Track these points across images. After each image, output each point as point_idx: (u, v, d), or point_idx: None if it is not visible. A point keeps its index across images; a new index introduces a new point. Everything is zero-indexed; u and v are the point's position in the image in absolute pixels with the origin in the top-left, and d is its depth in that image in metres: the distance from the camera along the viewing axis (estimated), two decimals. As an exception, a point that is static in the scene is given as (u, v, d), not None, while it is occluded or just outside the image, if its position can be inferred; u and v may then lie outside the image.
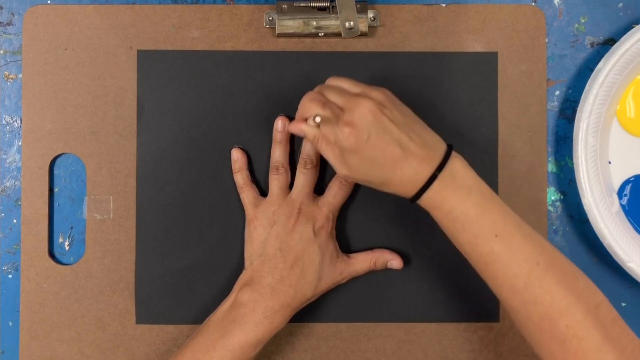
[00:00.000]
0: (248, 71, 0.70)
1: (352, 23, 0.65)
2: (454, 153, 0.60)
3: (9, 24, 0.71)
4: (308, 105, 0.60)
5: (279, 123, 0.69)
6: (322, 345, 0.70)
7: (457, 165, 0.59)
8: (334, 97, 0.60)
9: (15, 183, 0.70)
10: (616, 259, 0.68)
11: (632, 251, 0.67)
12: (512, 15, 0.70)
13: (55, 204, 0.70)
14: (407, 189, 0.59)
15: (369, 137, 0.58)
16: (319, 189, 0.69)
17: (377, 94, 0.60)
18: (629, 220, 0.69)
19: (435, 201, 0.59)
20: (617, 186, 0.70)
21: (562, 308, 0.56)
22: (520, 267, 0.57)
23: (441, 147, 0.60)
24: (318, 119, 0.58)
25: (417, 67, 0.70)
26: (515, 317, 0.59)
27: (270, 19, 0.69)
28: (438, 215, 0.60)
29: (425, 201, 0.59)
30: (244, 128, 0.70)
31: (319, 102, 0.60)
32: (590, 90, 0.68)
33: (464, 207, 0.58)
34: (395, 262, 0.69)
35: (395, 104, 0.60)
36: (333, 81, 0.63)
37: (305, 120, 0.60)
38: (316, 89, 0.62)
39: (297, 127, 0.61)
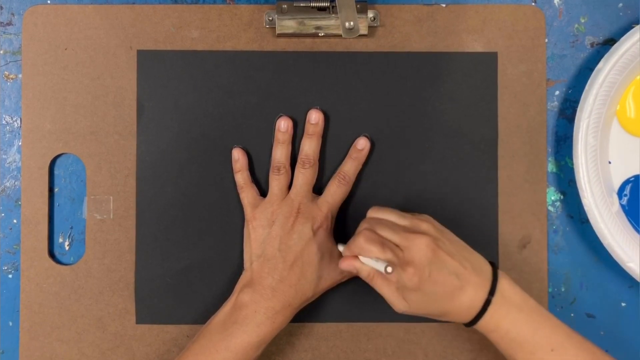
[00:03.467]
0: (248, 71, 0.70)
1: (352, 23, 0.65)
2: (499, 272, 0.61)
3: (9, 24, 0.70)
4: (367, 247, 0.61)
5: (282, 123, 0.69)
6: (322, 345, 0.70)
7: (505, 284, 0.61)
8: (387, 234, 0.61)
9: (15, 183, 0.70)
10: (616, 259, 0.68)
11: (632, 251, 0.67)
12: (512, 16, 0.70)
13: (55, 204, 0.70)
14: (465, 316, 0.61)
15: (430, 274, 0.59)
16: (318, 188, 0.69)
17: (427, 226, 0.61)
18: (629, 220, 0.69)
19: (491, 324, 0.60)
20: (617, 186, 0.70)
21: None
22: None
23: (487, 267, 0.61)
24: (390, 269, 0.59)
25: (417, 67, 0.70)
26: None
27: (270, 19, 0.69)
28: (495, 337, 0.61)
29: (482, 325, 0.61)
30: (244, 128, 0.70)
31: (377, 243, 0.60)
32: (590, 90, 0.68)
33: (518, 327, 0.60)
34: None
35: (443, 233, 0.61)
36: (377, 213, 0.63)
37: (356, 256, 0.61)
38: (364, 224, 0.63)
39: (350, 265, 0.62)
